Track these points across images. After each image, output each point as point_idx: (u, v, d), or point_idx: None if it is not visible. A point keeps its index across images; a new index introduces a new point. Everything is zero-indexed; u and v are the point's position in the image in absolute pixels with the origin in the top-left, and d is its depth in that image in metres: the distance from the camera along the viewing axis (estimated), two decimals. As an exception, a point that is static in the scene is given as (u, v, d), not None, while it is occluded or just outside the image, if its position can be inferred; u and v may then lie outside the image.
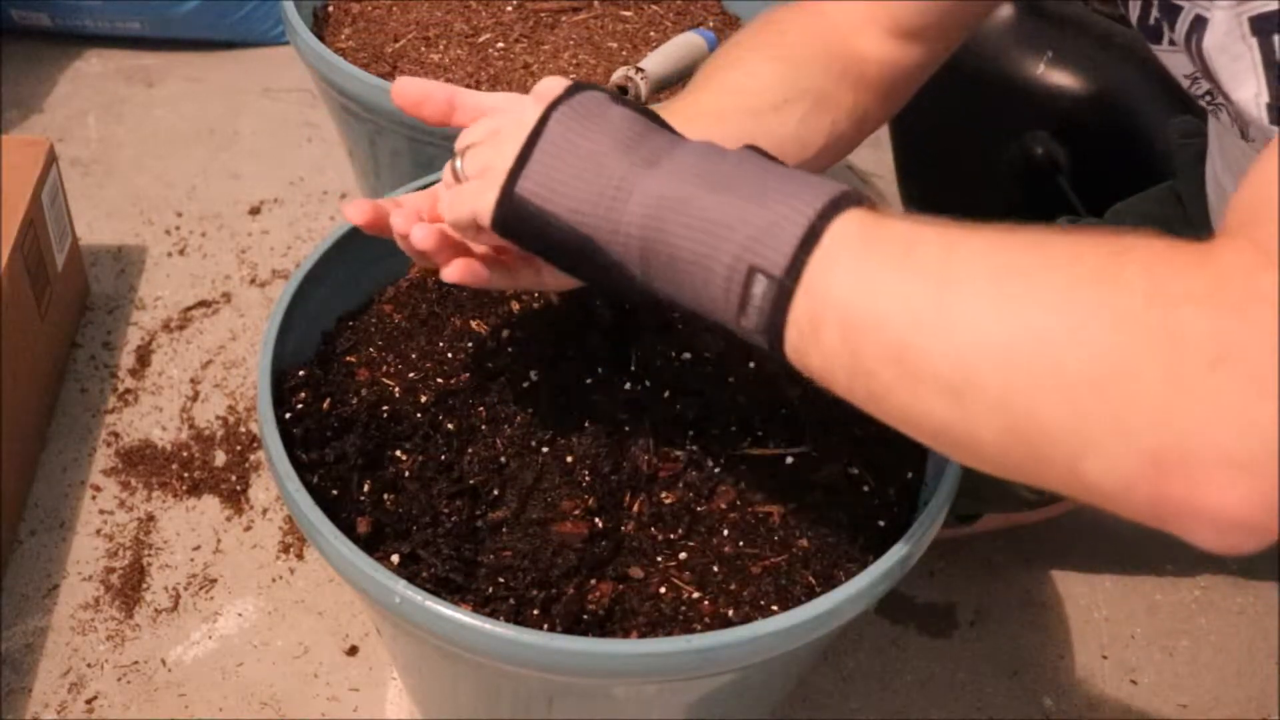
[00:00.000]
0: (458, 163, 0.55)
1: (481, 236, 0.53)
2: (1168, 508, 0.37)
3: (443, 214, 0.54)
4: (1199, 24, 0.56)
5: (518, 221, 0.51)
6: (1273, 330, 0.36)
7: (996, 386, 0.40)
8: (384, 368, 0.67)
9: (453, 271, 0.55)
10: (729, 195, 0.47)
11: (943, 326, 0.41)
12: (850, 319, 0.44)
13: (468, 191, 0.53)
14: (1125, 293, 0.38)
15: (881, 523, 0.63)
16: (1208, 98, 0.63)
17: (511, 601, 0.58)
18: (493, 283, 0.57)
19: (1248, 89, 0.54)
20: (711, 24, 1.10)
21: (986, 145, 1.15)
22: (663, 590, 0.59)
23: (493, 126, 0.54)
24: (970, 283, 0.41)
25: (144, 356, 1.08)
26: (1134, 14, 0.63)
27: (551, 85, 0.53)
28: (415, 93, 0.60)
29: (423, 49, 1.04)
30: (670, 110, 0.67)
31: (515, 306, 0.71)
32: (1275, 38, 0.52)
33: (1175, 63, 0.63)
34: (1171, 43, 0.60)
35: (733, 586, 0.60)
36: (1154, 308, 0.37)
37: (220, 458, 1.00)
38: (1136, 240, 0.40)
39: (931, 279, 0.42)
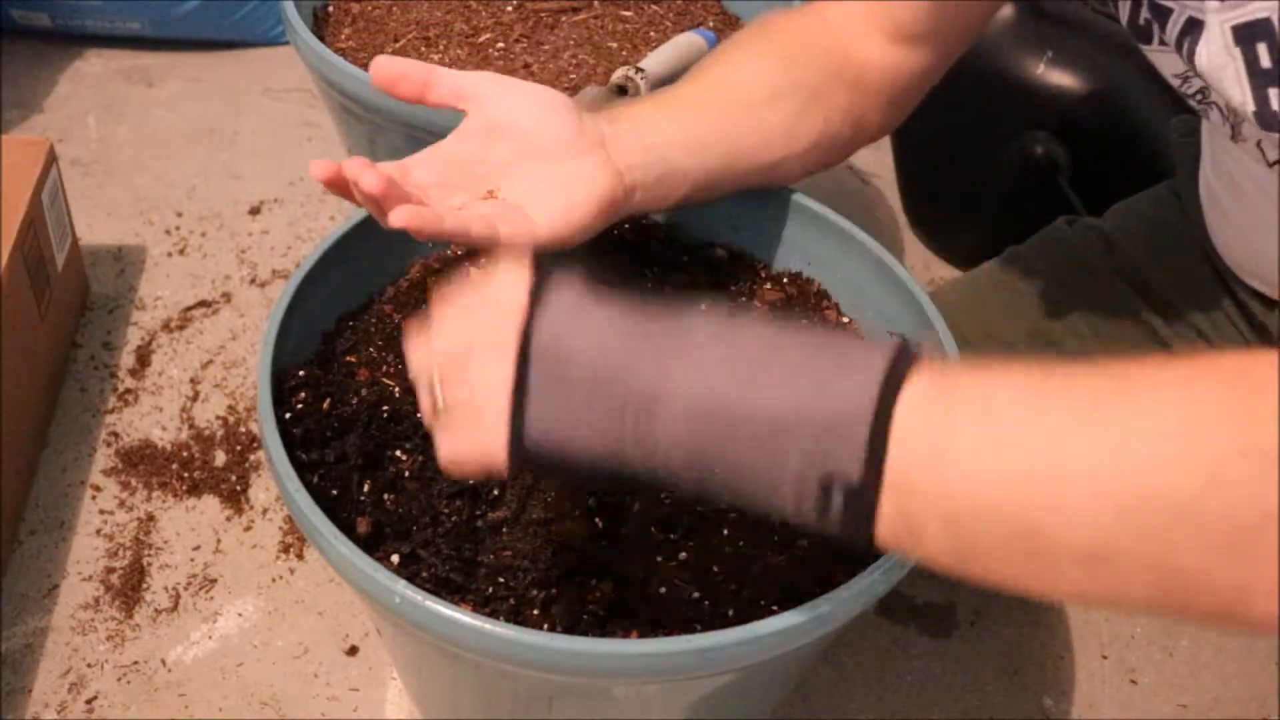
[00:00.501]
0: (436, 391, 0.48)
1: (496, 475, 0.48)
2: None
3: (441, 461, 0.48)
4: (1192, 27, 0.56)
5: (536, 463, 0.46)
6: None
7: (1138, 549, 0.37)
8: (384, 368, 0.67)
9: (398, 216, 0.52)
10: (769, 388, 0.42)
11: (1063, 500, 0.38)
12: (951, 510, 0.40)
13: (466, 440, 0.47)
14: (1263, 430, 0.36)
15: (881, 523, 0.63)
16: (1199, 96, 0.63)
17: (511, 601, 0.58)
18: (445, 230, 0.54)
19: (1234, 97, 0.55)
20: (711, 24, 1.10)
21: (986, 145, 1.15)
22: (663, 590, 0.59)
23: (462, 341, 0.47)
24: (1077, 447, 0.38)
25: (144, 356, 1.08)
26: (1124, 14, 0.63)
27: (510, 285, 0.47)
28: (392, 71, 0.60)
29: (423, 49, 1.04)
30: (655, 101, 0.67)
31: (515, 306, 0.70)
32: (1259, 46, 0.53)
33: (1165, 62, 0.63)
34: (1162, 43, 0.60)
35: (733, 586, 0.60)
36: None
37: (220, 458, 1.00)
38: (1251, 365, 0.37)
39: (1029, 449, 0.39)
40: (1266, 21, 0.52)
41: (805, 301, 0.74)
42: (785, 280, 0.75)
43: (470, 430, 0.47)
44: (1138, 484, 0.37)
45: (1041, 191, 1.11)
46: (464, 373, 0.47)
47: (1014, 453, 0.39)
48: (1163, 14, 0.58)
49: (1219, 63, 0.54)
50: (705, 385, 0.43)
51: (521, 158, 0.61)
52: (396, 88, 0.60)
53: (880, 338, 0.71)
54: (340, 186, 0.55)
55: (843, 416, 0.41)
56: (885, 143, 1.27)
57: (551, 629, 0.57)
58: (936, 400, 0.41)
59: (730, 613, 0.59)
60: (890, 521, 0.41)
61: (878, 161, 1.36)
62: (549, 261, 0.48)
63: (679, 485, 0.45)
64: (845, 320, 0.73)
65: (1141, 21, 0.61)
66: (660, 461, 0.44)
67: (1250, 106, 0.54)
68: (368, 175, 0.52)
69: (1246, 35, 0.53)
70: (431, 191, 0.59)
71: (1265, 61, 0.52)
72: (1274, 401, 0.36)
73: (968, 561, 0.41)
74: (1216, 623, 0.38)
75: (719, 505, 0.46)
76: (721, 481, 0.44)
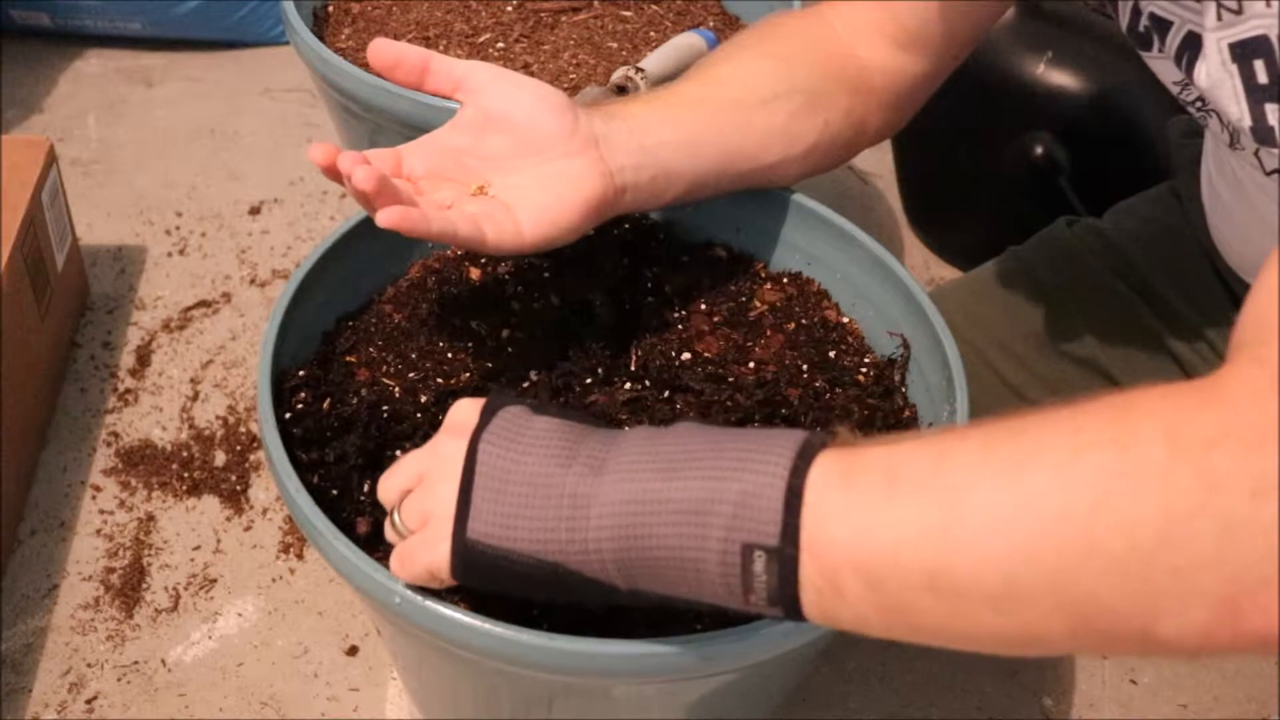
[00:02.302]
0: (395, 518, 0.52)
1: (440, 584, 0.52)
2: (1250, 641, 0.37)
3: (395, 573, 0.53)
4: (1191, 42, 0.56)
5: (479, 566, 0.48)
6: None
7: (1042, 585, 0.38)
8: (384, 368, 0.67)
9: (386, 217, 0.54)
10: (690, 478, 0.45)
11: (963, 541, 0.39)
12: (865, 564, 0.41)
13: (416, 547, 0.51)
14: (1145, 452, 0.37)
15: (881, 523, 0.63)
16: (1198, 104, 0.63)
17: (512, 601, 0.58)
18: (431, 232, 0.56)
19: (1232, 112, 0.55)
20: (711, 24, 1.10)
21: (986, 145, 1.15)
22: (663, 590, 0.59)
23: (416, 470, 0.52)
24: (973, 489, 0.39)
25: (144, 356, 1.08)
26: (1123, 20, 0.63)
27: (465, 414, 0.52)
28: (390, 55, 0.60)
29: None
30: (653, 100, 0.67)
31: (515, 306, 0.71)
32: (1255, 64, 0.53)
33: (1164, 69, 0.63)
34: (1161, 50, 0.60)
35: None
36: (1179, 460, 0.36)
37: (220, 458, 1.00)
38: (1136, 395, 0.39)
39: (931, 497, 0.40)
40: (1264, 39, 0.52)
41: (805, 301, 0.74)
42: (785, 280, 0.75)
43: (420, 541, 0.51)
44: (1032, 514, 0.38)
45: (1041, 192, 1.11)
46: (423, 496, 0.51)
47: (916, 502, 0.40)
48: (1163, 26, 0.58)
49: (1217, 79, 0.54)
50: (628, 487, 0.46)
51: (514, 153, 0.61)
52: (394, 72, 0.60)
53: (880, 338, 0.72)
54: (337, 174, 0.56)
55: (756, 492, 0.43)
56: (885, 143, 1.27)
57: (551, 629, 0.57)
58: (844, 469, 0.43)
59: (730, 613, 0.59)
60: (813, 584, 0.43)
61: (878, 161, 1.35)
62: (498, 392, 0.55)
63: (616, 593, 0.48)
64: (845, 320, 0.73)
65: (1141, 29, 0.61)
66: (595, 565, 0.47)
67: (1247, 122, 0.54)
68: (360, 171, 0.53)
69: (1243, 53, 0.53)
70: (423, 182, 0.60)
71: (1262, 78, 0.52)
72: (1156, 426, 0.37)
73: (892, 617, 0.42)
74: (1137, 650, 0.39)
75: (651, 602, 0.48)
76: (653, 577, 0.46)
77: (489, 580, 0.49)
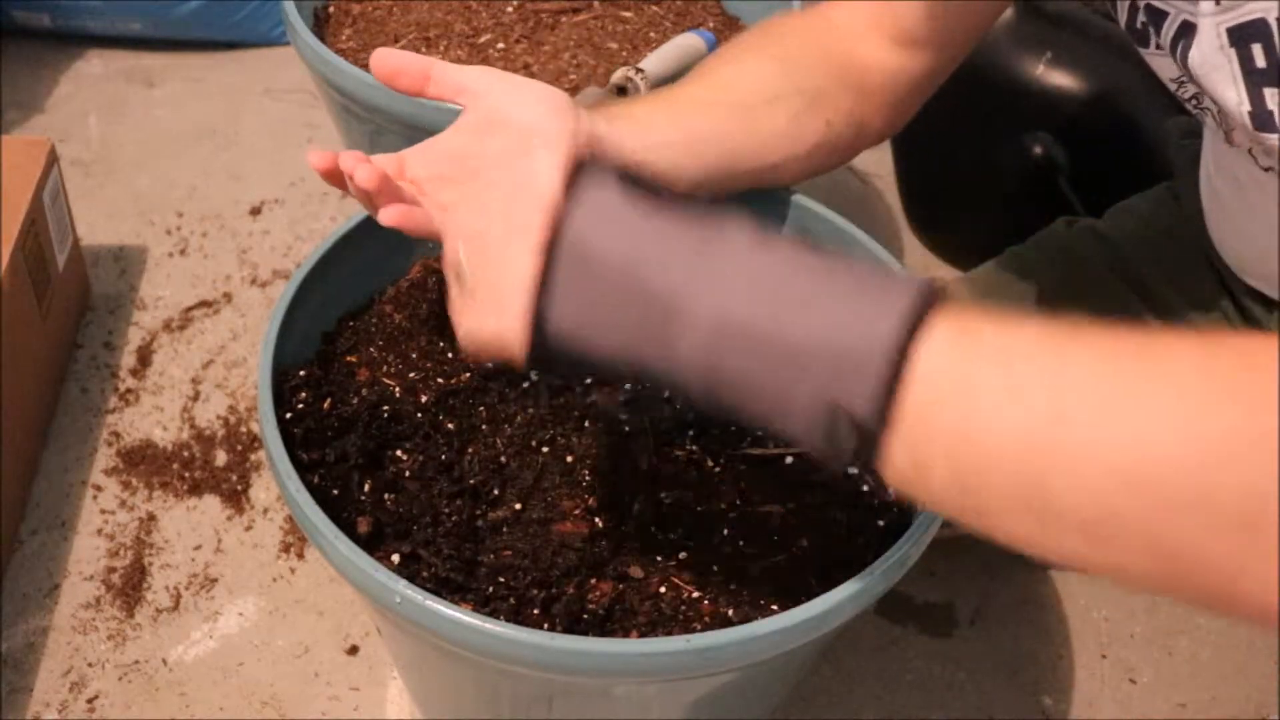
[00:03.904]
0: (460, 253, 0.49)
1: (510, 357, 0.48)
2: None
3: (460, 340, 0.49)
4: (1185, 30, 0.56)
5: (555, 356, 0.46)
6: None
7: (1138, 522, 0.37)
8: (384, 367, 0.67)
9: (388, 215, 0.53)
10: (791, 313, 0.42)
11: (1067, 462, 0.38)
12: (960, 460, 0.40)
13: (483, 313, 0.47)
14: (1263, 409, 0.36)
15: (881, 523, 0.64)
16: (1194, 101, 0.63)
17: (511, 601, 0.58)
18: (435, 231, 0.55)
19: (1229, 98, 0.55)
20: (711, 25, 1.10)
21: (986, 146, 1.15)
22: (663, 590, 0.60)
23: (487, 222, 0.48)
24: (1089, 407, 0.38)
25: (145, 356, 1.08)
26: (1122, 17, 0.64)
27: (546, 176, 0.47)
28: (392, 64, 0.60)
29: (423, 50, 1.04)
30: (654, 101, 0.67)
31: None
32: (1253, 47, 0.53)
33: (1162, 66, 0.63)
34: (1158, 47, 0.60)
35: (733, 586, 0.60)
36: None
37: (221, 457, 1.00)
38: (1258, 343, 0.37)
39: (1044, 406, 0.38)
40: (1262, 22, 0.52)
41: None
42: (785, 280, 0.76)
43: (491, 315, 0.47)
44: (1146, 454, 0.37)
45: (1041, 192, 1.11)
46: (486, 254, 0.47)
47: (1028, 408, 0.39)
48: (1158, 17, 0.58)
49: (1213, 63, 0.54)
50: (727, 302, 0.43)
51: (516, 155, 0.61)
52: (396, 81, 0.61)
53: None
54: (337, 178, 0.56)
55: (860, 348, 0.41)
56: (885, 143, 1.26)
57: (551, 629, 0.57)
58: (956, 345, 0.41)
59: (730, 613, 0.59)
60: (899, 459, 0.41)
61: (878, 161, 1.36)
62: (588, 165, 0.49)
63: (692, 394, 0.45)
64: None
65: (1138, 25, 0.61)
66: (677, 368, 0.45)
67: (1245, 106, 0.54)
68: (362, 170, 0.53)
69: (1241, 36, 0.53)
70: (426, 185, 0.60)
71: (1260, 62, 0.52)
72: (1275, 385, 0.36)
73: (973, 511, 0.41)
74: (1210, 604, 0.38)
75: (731, 419, 0.46)
76: (736, 404, 0.44)
77: (561, 366, 0.47)
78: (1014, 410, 0.39)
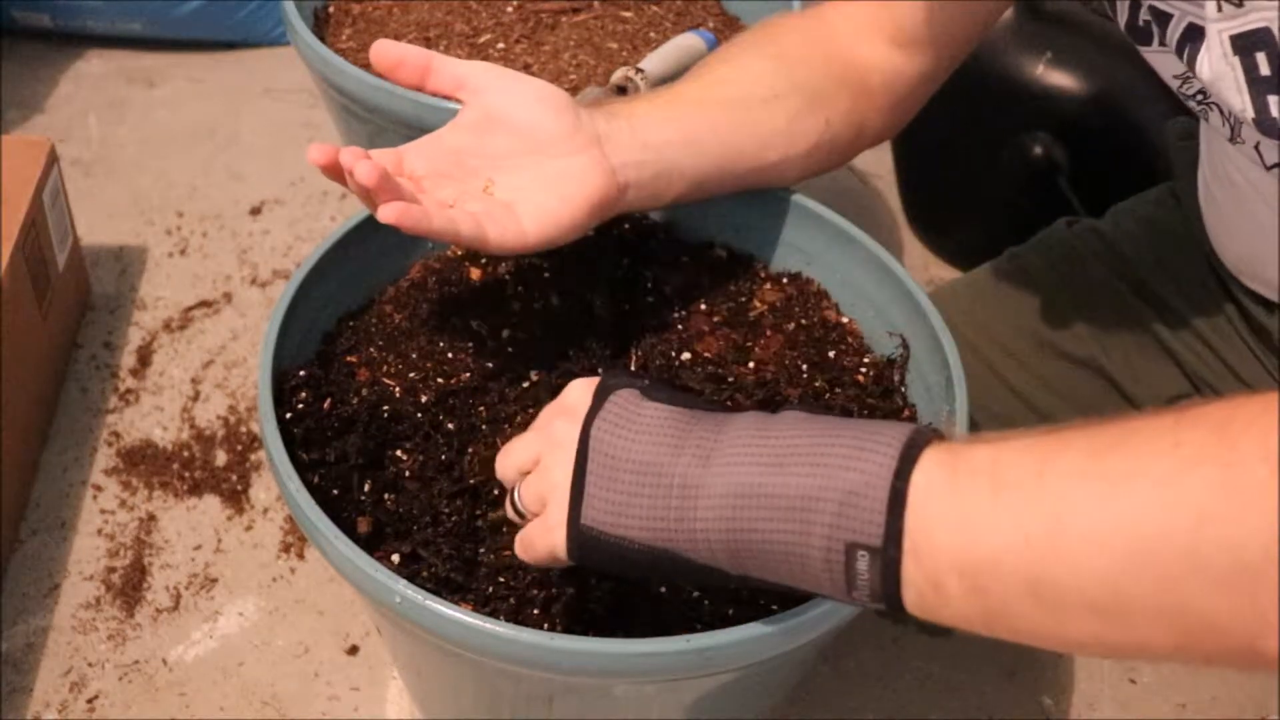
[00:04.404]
0: (515, 498, 0.54)
1: (561, 564, 0.53)
2: None
3: (520, 555, 0.54)
4: (1192, 33, 0.56)
5: (594, 550, 0.50)
6: None
7: (1146, 595, 0.38)
8: (384, 368, 0.67)
9: (387, 213, 0.54)
10: (794, 473, 0.45)
11: (1066, 552, 0.40)
12: (968, 568, 0.42)
13: (536, 531, 0.52)
14: (1246, 468, 0.37)
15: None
16: (1198, 97, 0.63)
17: (511, 601, 0.58)
18: (433, 230, 0.56)
19: (1234, 104, 0.55)
20: (711, 25, 1.10)
21: (986, 146, 1.15)
22: (663, 590, 0.60)
23: (533, 451, 0.53)
24: (1077, 500, 0.40)
25: (145, 356, 1.08)
26: (1122, 16, 0.63)
27: (578, 396, 0.53)
28: (392, 56, 0.60)
29: (423, 49, 1.04)
30: (654, 99, 0.67)
31: (515, 306, 0.71)
32: (1258, 56, 0.53)
33: (1164, 64, 0.63)
34: (1162, 44, 0.60)
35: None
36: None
37: (221, 457, 1.00)
38: (1236, 408, 0.39)
39: (1035, 505, 0.40)
40: (1265, 31, 0.52)
41: (805, 301, 0.74)
42: (785, 280, 0.76)
43: (540, 525, 0.52)
44: (1135, 530, 0.38)
45: (1041, 192, 1.11)
46: (540, 479, 0.52)
47: (1020, 509, 0.41)
48: (1163, 18, 0.58)
49: (1219, 71, 0.54)
50: (736, 477, 0.47)
51: (516, 153, 0.61)
52: (396, 73, 0.61)
53: (880, 338, 0.72)
54: (337, 172, 0.56)
55: (861, 488, 0.43)
56: (885, 143, 1.27)
57: (551, 629, 0.57)
58: (948, 469, 0.43)
59: (730, 613, 0.59)
60: (915, 582, 0.43)
61: (878, 161, 1.36)
62: (610, 373, 0.55)
63: (727, 577, 0.48)
64: (844, 320, 0.73)
65: (1140, 23, 0.61)
66: (704, 551, 0.48)
67: (1250, 113, 0.54)
68: (362, 166, 0.53)
69: (1245, 45, 0.53)
70: (425, 182, 0.60)
71: (1264, 69, 0.52)
72: (1257, 442, 0.37)
73: (993, 619, 0.43)
74: (1240, 664, 0.39)
75: (758, 586, 0.49)
76: (760, 567, 0.47)
77: (605, 563, 0.50)
78: (1007, 513, 0.41)
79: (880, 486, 0.43)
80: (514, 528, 0.57)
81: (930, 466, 0.43)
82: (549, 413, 0.54)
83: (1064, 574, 0.40)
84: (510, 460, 0.55)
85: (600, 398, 0.51)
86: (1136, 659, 0.42)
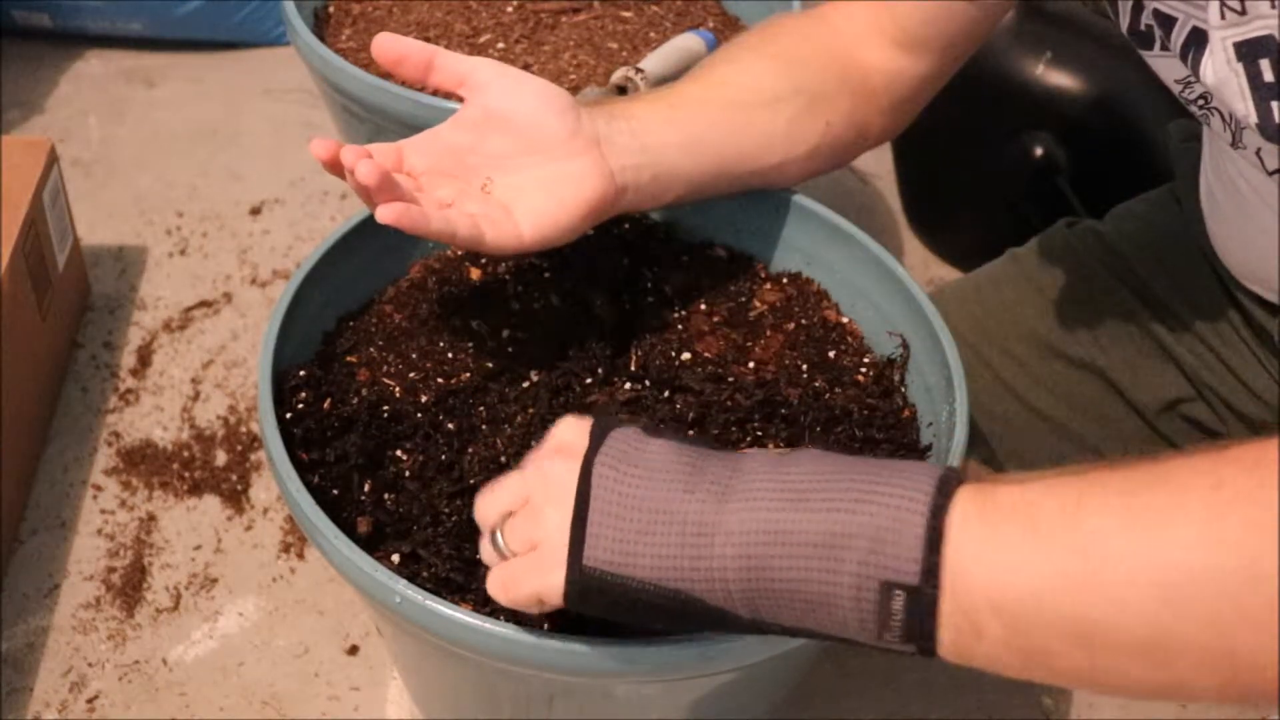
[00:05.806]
0: (498, 540, 0.50)
1: (545, 608, 0.50)
2: None
3: (495, 596, 0.50)
4: (1196, 37, 0.56)
5: (596, 593, 0.47)
6: None
7: (1192, 634, 0.38)
8: (384, 368, 0.67)
9: (386, 213, 0.54)
10: (819, 509, 0.44)
11: (1106, 592, 0.39)
12: (1007, 608, 0.41)
13: (522, 571, 0.49)
14: (1274, 504, 0.37)
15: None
16: (1200, 102, 0.63)
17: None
18: (431, 231, 0.56)
19: (1238, 109, 0.55)
20: (711, 25, 1.10)
21: (986, 145, 1.15)
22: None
23: (521, 491, 0.50)
24: (1115, 539, 0.39)
25: (145, 356, 1.08)
26: (1124, 20, 0.63)
27: (572, 434, 0.50)
28: (395, 51, 0.60)
29: (423, 49, 1.04)
30: (654, 100, 0.67)
31: (515, 306, 0.71)
32: (1261, 62, 0.53)
33: (1166, 68, 0.63)
34: (1164, 48, 0.60)
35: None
36: None
37: (221, 457, 1.00)
38: (1264, 448, 0.39)
39: (1072, 545, 0.40)
40: (1269, 39, 0.52)
41: (805, 301, 0.74)
42: (785, 280, 0.76)
43: (527, 565, 0.49)
44: (1178, 570, 0.38)
45: (1041, 192, 1.11)
46: (530, 520, 0.49)
47: (1058, 549, 0.40)
48: (1167, 22, 0.58)
49: (1223, 77, 0.54)
50: (758, 513, 0.45)
51: (515, 153, 0.61)
52: (399, 68, 0.61)
53: (880, 338, 0.72)
54: (338, 168, 0.56)
55: (896, 524, 0.42)
56: (885, 143, 1.27)
57: (552, 629, 0.57)
58: (983, 507, 0.42)
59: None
60: (952, 624, 0.42)
61: (877, 161, 1.36)
62: (602, 413, 0.51)
63: (740, 622, 0.46)
64: (845, 320, 0.73)
65: (1143, 27, 0.61)
66: (719, 594, 0.46)
67: (1253, 119, 0.54)
68: (363, 165, 0.53)
69: (1249, 52, 0.53)
70: (424, 179, 0.60)
71: (1268, 76, 0.53)
72: None
73: (1032, 660, 0.42)
74: None
75: (776, 631, 0.47)
76: (780, 611, 0.45)
77: (605, 607, 0.48)
78: (1045, 556, 0.40)
79: (916, 524, 0.42)
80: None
81: (965, 503, 0.42)
82: (539, 454, 0.51)
83: (1105, 614, 0.39)
84: (494, 501, 0.51)
85: (599, 436, 0.49)
86: (1174, 700, 0.41)
